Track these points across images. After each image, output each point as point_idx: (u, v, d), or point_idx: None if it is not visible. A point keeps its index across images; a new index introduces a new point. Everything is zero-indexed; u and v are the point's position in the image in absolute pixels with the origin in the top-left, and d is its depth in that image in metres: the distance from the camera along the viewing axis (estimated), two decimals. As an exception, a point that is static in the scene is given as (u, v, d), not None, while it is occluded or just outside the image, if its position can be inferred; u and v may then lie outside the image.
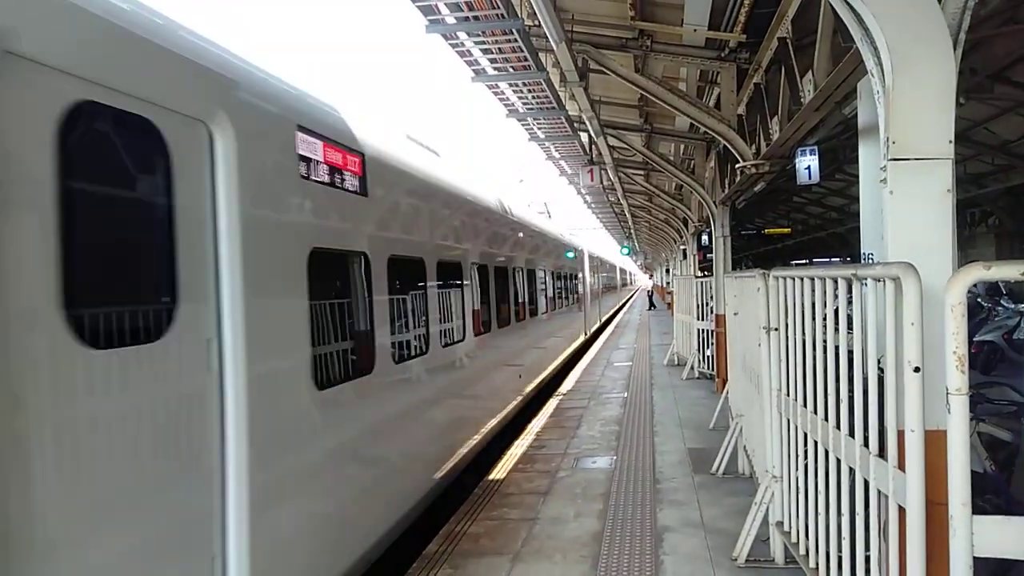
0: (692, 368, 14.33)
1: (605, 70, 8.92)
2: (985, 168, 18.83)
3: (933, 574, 2.83)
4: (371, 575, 5.23)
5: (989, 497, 4.05)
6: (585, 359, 18.75)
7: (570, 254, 18.54)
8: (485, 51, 8.67)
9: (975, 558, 2.62)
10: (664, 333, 23.89)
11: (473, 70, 9.29)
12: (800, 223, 33.49)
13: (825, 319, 3.95)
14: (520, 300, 11.38)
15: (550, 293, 15.11)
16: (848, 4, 3.20)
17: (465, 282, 7.79)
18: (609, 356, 19.08)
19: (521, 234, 11.79)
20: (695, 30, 8.44)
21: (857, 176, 6.40)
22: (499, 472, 7.98)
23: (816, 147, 8.40)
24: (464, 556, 5.59)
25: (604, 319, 31.66)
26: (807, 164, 8.39)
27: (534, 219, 13.95)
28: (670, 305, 30.79)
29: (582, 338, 20.75)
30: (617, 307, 47.17)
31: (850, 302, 3.71)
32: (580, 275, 20.84)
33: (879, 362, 3.22)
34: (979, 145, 16.75)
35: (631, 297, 72.13)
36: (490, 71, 9.33)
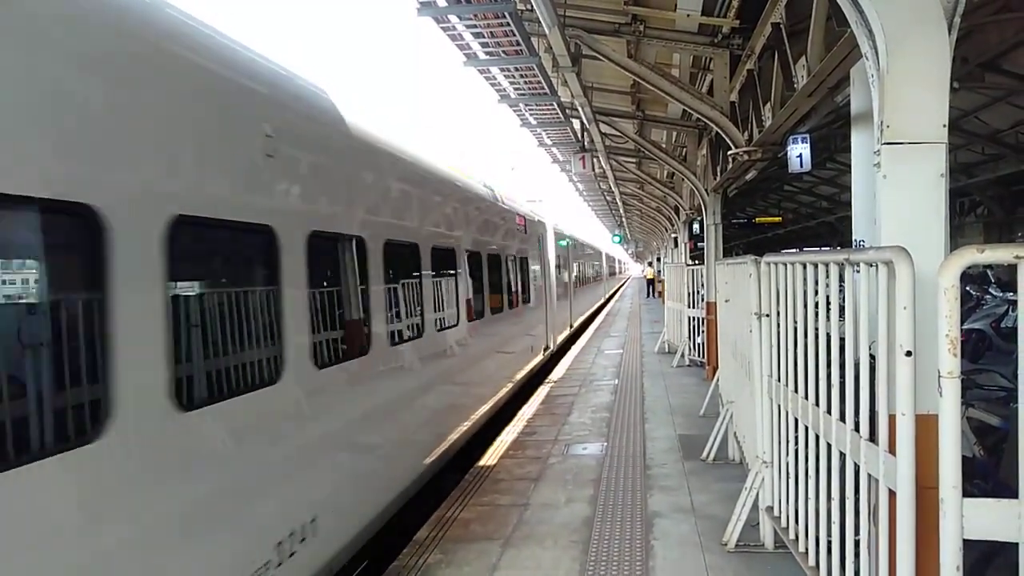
0: (683, 356, 14.37)
1: (598, 55, 8.85)
2: (975, 158, 18.92)
3: (922, 557, 2.84)
4: (361, 560, 5.23)
5: (977, 482, 4.08)
6: (576, 347, 18.77)
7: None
8: (477, 35, 8.60)
9: (964, 540, 2.64)
10: (655, 321, 23.94)
11: (465, 54, 9.22)
12: (791, 212, 33.59)
13: (817, 306, 3.95)
14: None
15: None
16: (843, -13, 3.17)
17: None
18: (600, 344, 19.11)
19: None
20: (688, 15, 8.38)
21: (848, 165, 6.41)
22: (490, 458, 7.98)
23: (808, 135, 8.39)
24: (455, 541, 5.59)
25: None
26: (799, 152, 8.38)
27: None
28: (660, 294, 30.57)
29: None
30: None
31: (842, 289, 3.71)
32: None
33: (870, 348, 3.23)
34: (969, 134, 16.81)
35: (610, 297, 45.62)
36: (482, 56, 9.27)
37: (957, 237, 24.69)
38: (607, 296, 42.51)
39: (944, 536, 2.63)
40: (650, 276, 43.78)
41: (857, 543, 3.46)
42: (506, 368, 10.87)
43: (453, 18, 8.11)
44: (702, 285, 13.53)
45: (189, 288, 3.70)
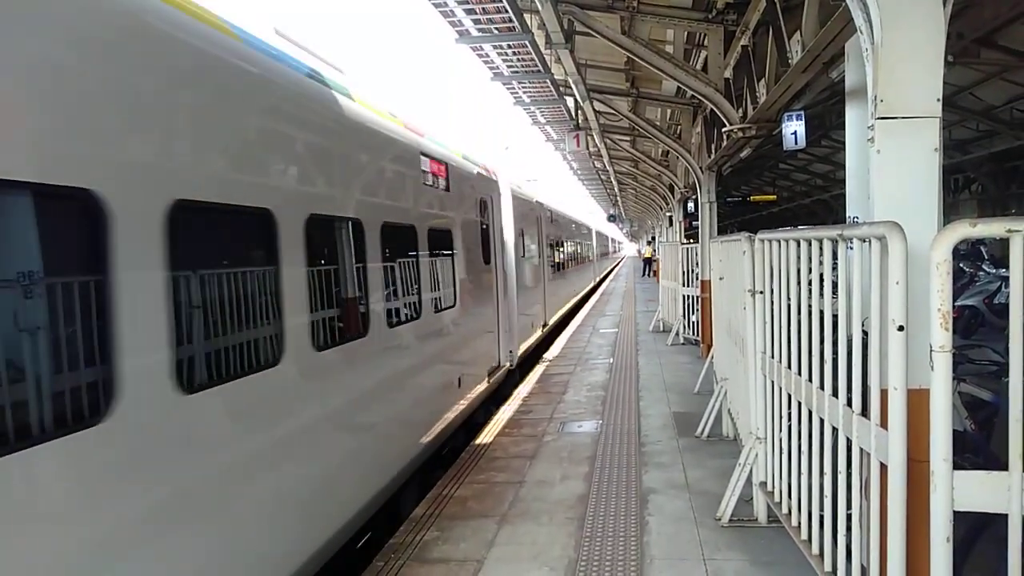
0: (677, 334, 14.41)
1: (591, 32, 8.76)
2: (969, 134, 18.88)
3: (913, 529, 2.87)
4: (360, 537, 5.27)
5: (968, 455, 4.12)
6: (571, 326, 18.80)
7: None
8: (469, 11, 8.51)
9: (954, 512, 2.66)
10: (649, 300, 23.98)
11: (457, 31, 9.12)
12: (785, 190, 33.56)
13: (810, 283, 3.95)
14: None
15: None
16: (838, -42, 3.14)
17: None
18: (595, 323, 19.15)
19: None
20: (682, -9, 8.32)
21: (842, 143, 6.37)
22: (486, 436, 8.02)
23: (803, 112, 8.34)
24: (451, 519, 5.63)
25: None
26: (793, 129, 8.33)
27: None
28: (655, 273, 30.54)
29: None
30: None
31: (835, 267, 3.71)
32: None
33: (863, 324, 3.23)
34: (964, 111, 16.74)
35: None
36: (474, 32, 9.17)
37: (951, 214, 24.68)
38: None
39: (935, 508, 2.66)
40: (648, 255, 42.50)
41: (849, 517, 3.50)
42: None
43: (445, -7, 8.02)
44: (696, 263, 13.54)
45: None
